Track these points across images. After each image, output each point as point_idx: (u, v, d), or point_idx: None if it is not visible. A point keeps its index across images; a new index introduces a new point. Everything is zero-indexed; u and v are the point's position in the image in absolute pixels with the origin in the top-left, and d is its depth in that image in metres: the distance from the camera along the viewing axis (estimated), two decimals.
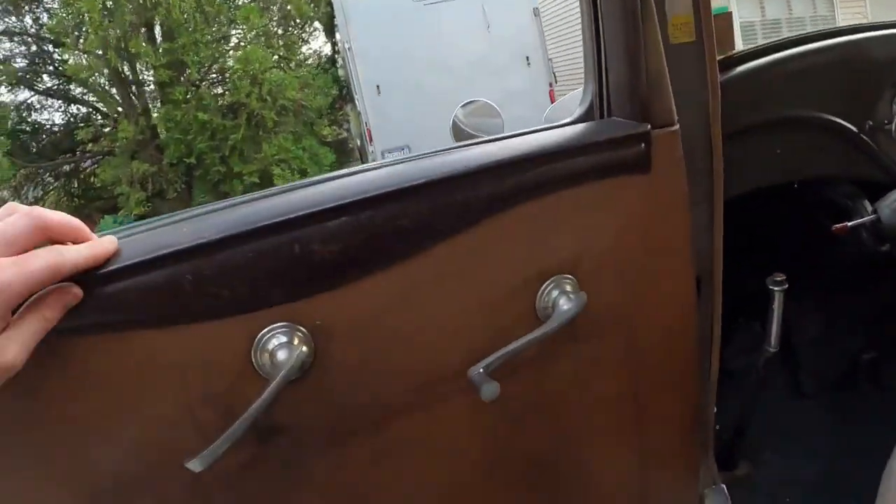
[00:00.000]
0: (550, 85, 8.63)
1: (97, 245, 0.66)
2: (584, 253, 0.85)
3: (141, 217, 9.11)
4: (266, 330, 0.73)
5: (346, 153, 12.62)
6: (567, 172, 0.81)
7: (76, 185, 12.11)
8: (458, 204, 0.77)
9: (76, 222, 0.66)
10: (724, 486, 1.38)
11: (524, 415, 0.92)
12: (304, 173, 9.04)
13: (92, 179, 11.71)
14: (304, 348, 0.73)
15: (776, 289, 1.27)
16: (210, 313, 0.71)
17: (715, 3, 0.92)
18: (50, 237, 0.63)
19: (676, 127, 0.85)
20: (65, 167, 11.83)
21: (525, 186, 0.79)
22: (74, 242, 0.65)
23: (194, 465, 0.68)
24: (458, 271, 0.79)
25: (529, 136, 0.87)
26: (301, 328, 0.74)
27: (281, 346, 0.73)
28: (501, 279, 0.82)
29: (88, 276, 0.65)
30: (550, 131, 0.87)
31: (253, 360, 0.73)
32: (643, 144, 0.83)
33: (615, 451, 1.06)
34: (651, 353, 0.98)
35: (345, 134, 14.15)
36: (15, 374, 0.62)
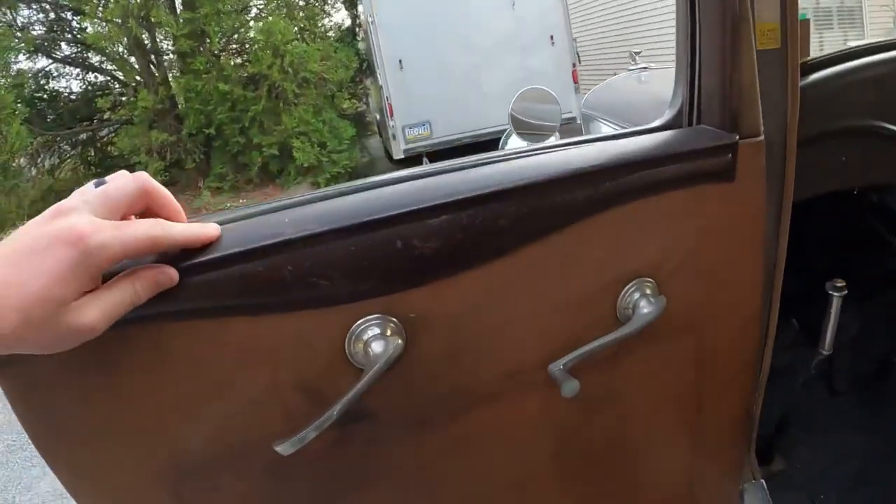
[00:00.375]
0: (574, 65, 8.60)
1: (199, 228, 0.68)
2: (665, 257, 0.86)
3: None
4: (361, 321, 0.74)
5: (364, 126, 12.59)
6: (656, 179, 0.82)
7: (93, 154, 12.11)
8: (554, 206, 0.79)
9: (178, 204, 0.68)
10: (763, 480, 1.40)
11: (593, 408, 0.94)
12: (323, 146, 9.01)
13: (109, 148, 11.72)
14: (399, 341, 0.75)
15: (835, 294, 1.29)
16: (307, 303, 0.72)
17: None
18: (151, 205, 0.65)
19: (762, 138, 0.86)
20: (82, 135, 11.84)
21: (617, 191, 0.80)
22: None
23: (284, 449, 0.71)
24: (547, 271, 0.81)
25: (622, 140, 0.87)
26: (394, 320, 0.76)
27: (375, 337, 0.74)
28: (586, 280, 0.84)
29: (190, 263, 0.67)
30: (642, 136, 0.88)
31: (346, 349, 0.75)
32: (730, 155, 0.84)
33: (671, 445, 1.09)
34: (717, 354, 0.99)
35: (363, 107, 14.13)
36: (110, 352, 0.66)
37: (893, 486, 1.42)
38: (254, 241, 0.70)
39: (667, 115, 0.91)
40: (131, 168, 9.07)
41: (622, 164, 0.81)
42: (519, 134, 2.32)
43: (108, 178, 0.64)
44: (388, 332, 0.75)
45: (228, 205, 8.67)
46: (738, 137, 0.85)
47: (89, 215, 0.59)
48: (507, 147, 2.62)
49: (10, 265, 0.56)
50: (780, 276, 1.06)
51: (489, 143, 8.04)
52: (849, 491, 1.60)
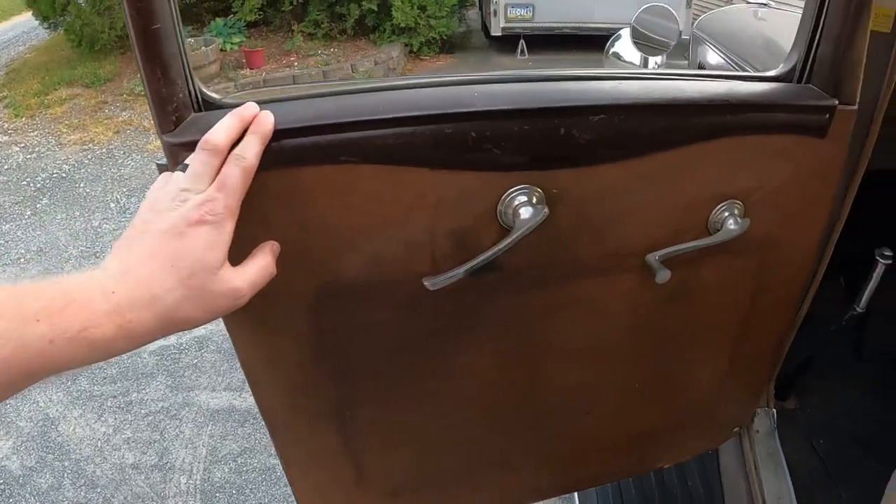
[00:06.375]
0: None
1: (256, 132, 0.76)
2: (756, 187, 0.98)
3: (251, 24, 9.07)
4: (514, 189, 0.88)
5: None
6: (765, 122, 0.94)
7: None
8: (684, 126, 0.91)
9: (241, 116, 0.76)
10: (774, 410, 1.53)
11: (667, 300, 1.09)
12: (423, 9, 8.80)
13: None
14: (546, 209, 0.88)
15: (882, 261, 1.39)
16: (477, 165, 0.85)
17: None
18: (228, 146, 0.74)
19: (856, 107, 0.95)
20: None
21: (734, 124, 0.93)
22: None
23: (432, 284, 0.85)
24: (665, 177, 0.94)
25: (747, 81, 1.00)
26: (539, 191, 0.89)
27: (524, 204, 0.88)
28: (691, 191, 0.97)
29: (387, 118, 0.80)
30: (761, 82, 0.99)
31: (498, 209, 0.89)
32: (827, 116, 0.94)
33: (717, 350, 1.24)
34: (771, 280, 1.12)
35: None
36: (299, 185, 0.79)
37: (884, 459, 1.53)
38: (448, 106, 0.83)
39: (782, 68, 1.00)
40: (227, 2, 8.82)
41: (744, 104, 0.93)
42: (636, 43, 2.41)
43: (188, 160, 0.73)
44: (534, 201, 0.89)
45: (320, 52, 8.67)
46: (837, 102, 0.93)
47: (194, 196, 0.70)
48: (612, 50, 2.70)
49: (165, 249, 0.67)
50: (838, 233, 1.16)
51: (590, 38, 7.86)
52: (844, 447, 1.72)
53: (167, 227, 0.67)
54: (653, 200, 0.96)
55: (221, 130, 0.73)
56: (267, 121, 0.76)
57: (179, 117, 0.78)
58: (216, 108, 0.81)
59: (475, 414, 1.16)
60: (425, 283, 0.85)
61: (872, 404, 1.84)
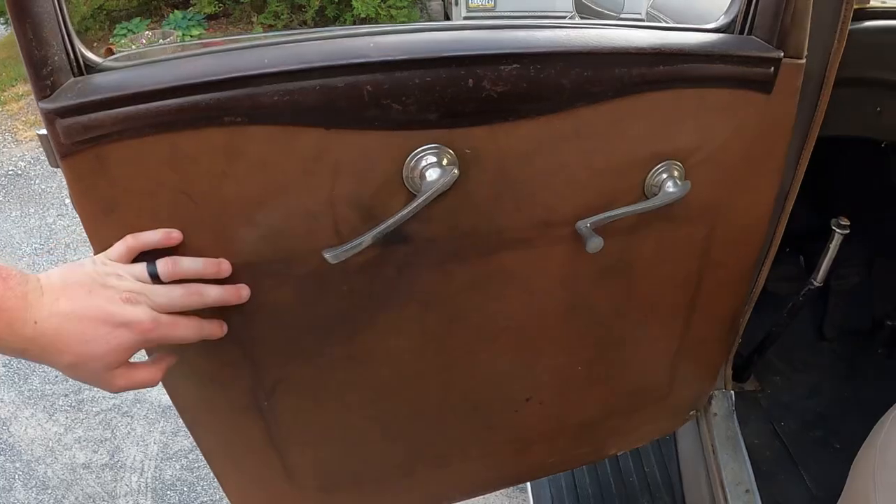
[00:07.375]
0: None
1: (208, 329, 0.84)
2: (696, 146, 0.92)
3: (211, 17, 8.93)
4: (421, 149, 0.81)
5: None
6: (702, 73, 0.88)
7: None
8: (611, 77, 0.84)
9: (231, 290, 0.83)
10: (732, 392, 1.50)
11: (606, 273, 1.02)
12: None
13: None
14: (455, 171, 0.80)
15: (838, 230, 1.35)
16: (377, 123, 0.78)
17: None
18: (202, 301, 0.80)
19: (803, 61, 0.90)
20: None
21: (667, 75, 0.86)
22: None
23: (333, 257, 0.79)
24: (592, 135, 0.87)
25: (678, 32, 0.93)
26: (451, 152, 0.82)
27: (432, 165, 0.80)
28: (624, 151, 0.90)
29: (272, 71, 0.73)
30: (699, 33, 0.93)
31: (403, 173, 0.82)
32: (772, 69, 0.89)
33: (665, 328, 1.18)
34: (721, 251, 1.07)
35: None
36: (183, 151, 0.74)
37: (850, 433, 1.52)
38: (339, 58, 0.75)
39: (721, 20, 0.94)
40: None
41: (676, 52, 0.86)
42: (581, 17, 2.37)
43: (159, 263, 0.76)
44: (444, 162, 0.81)
45: None
46: (782, 54, 0.89)
47: (152, 312, 0.74)
48: None
49: (89, 323, 0.71)
50: (792, 200, 1.11)
51: None
52: (807, 428, 1.70)
53: (108, 311, 0.71)
54: (581, 161, 0.89)
55: (216, 293, 0.80)
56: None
57: (55, 82, 0.71)
58: (98, 72, 0.74)
59: (402, 404, 1.09)
60: (325, 256, 0.79)
61: (835, 384, 1.83)
